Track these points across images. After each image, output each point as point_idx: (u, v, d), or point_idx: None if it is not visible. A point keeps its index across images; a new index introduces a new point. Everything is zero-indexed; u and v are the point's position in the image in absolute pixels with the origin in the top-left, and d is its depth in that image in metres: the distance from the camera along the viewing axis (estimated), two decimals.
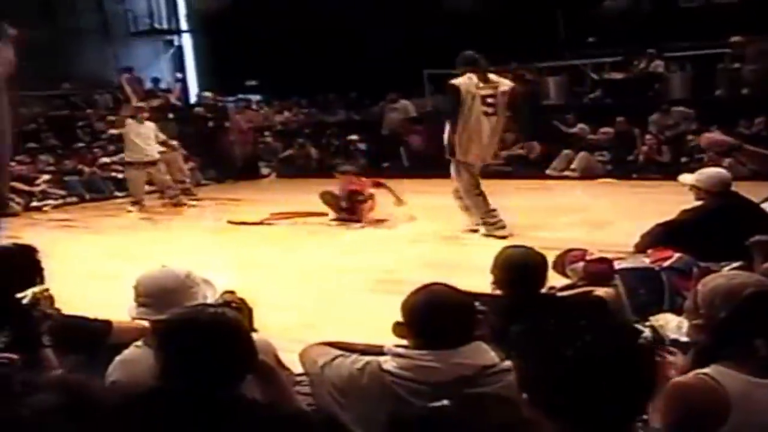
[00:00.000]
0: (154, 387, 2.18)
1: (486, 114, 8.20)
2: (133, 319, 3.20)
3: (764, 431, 2.13)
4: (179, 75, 21.62)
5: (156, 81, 20.35)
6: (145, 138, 11.72)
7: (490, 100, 8.23)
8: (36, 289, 2.95)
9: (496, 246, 3.61)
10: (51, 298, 3.03)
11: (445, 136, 8.47)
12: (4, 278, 3.23)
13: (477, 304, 2.91)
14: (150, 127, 11.93)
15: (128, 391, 2.37)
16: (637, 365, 1.50)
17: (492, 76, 8.45)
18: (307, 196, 10.55)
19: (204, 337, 2.16)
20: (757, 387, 2.15)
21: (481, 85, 8.25)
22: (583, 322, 1.57)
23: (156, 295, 3.03)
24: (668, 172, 11.30)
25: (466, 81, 8.25)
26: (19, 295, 2.81)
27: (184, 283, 3.08)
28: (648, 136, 13.10)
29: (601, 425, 1.46)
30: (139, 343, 3.01)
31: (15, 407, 1.22)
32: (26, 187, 13.20)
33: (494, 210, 8.32)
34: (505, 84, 8.46)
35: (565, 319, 1.58)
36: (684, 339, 3.25)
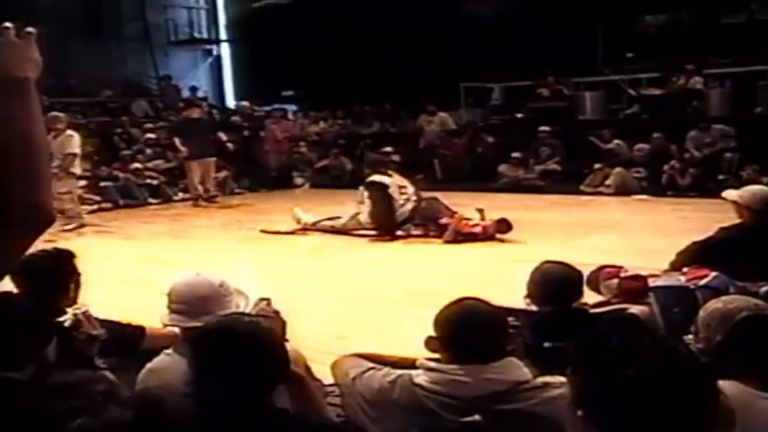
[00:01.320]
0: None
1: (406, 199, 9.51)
2: (165, 325, 3.19)
3: None
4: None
5: (194, 89, 20.59)
6: None
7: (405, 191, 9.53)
8: (74, 310, 2.95)
9: (528, 261, 3.58)
10: (91, 318, 3.02)
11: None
12: (43, 283, 3.25)
13: (510, 319, 2.88)
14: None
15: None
16: (700, 387, 1.48)
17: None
18: (340, 207, 10.56)
19: (238, 346, 2.15)
20: (761, 398, 2.20)
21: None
22: (647, 339, 1.55)
23: (189, 302, 3.01)
24: (706, 190, 11.20)
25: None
26: (60, 319, 2.81)
27: (217, 292, 3.06)
28: (672, 162, 12.92)
29: None
30: (169, 350, 3.00)
31: (91, 418, 1.23)
32: None
33: None
34: None
35: (627, 335, 1.57)
36: None
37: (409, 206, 9.40)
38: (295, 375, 2.47)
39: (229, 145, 14.27)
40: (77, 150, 10.96)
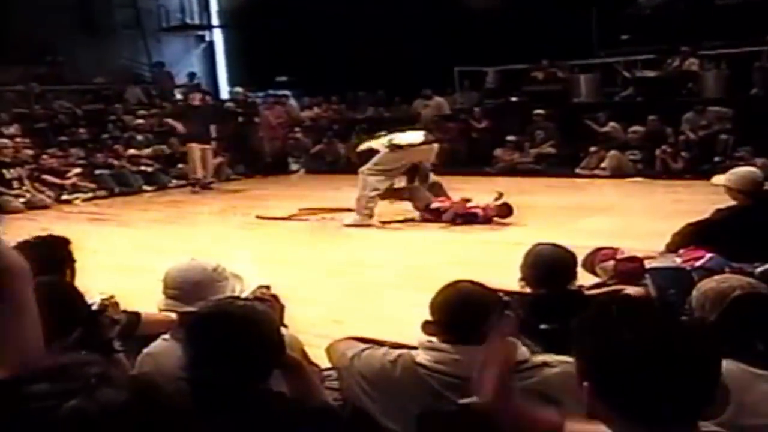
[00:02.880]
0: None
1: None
2: (161, 311, 3.19)
3: (764, 419, 2.14)
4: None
5: (192, 75, 20.54)
6: None
7: None
8: (103, 295, 2.97)
9: (525, 244, 3.57)
10: (117, 305, 3.05)
11: None
12: (39, 270, 3.24)
13: (505, 299, 2.89)
14: None
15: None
16: (706, 357, 1.49)
17: None
18: (336, 192, 10.56)
19: (232, 330, 2.14)
20: (757, 377, 2.21)
21: None
22: (646, 309, 1.57)
23: (184, 287, 3.02)
24: (701, 172, 11.21)
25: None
26: (88, 301, 2.84)
27: (211, 276, 3.06)
28: (664, 146, 12.92)
29: (666, 418, 1.45)
30: (166, 336, 3.01)
31: (84, 400, 1.22)
32: (57, 180, 13.35)
33: None
34: None
35: (626, 306, 1.58)
36: None
37: None
38: (291, 360, 2.47)
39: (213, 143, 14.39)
40: None
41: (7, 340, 1.64)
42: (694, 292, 2.69)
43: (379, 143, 9.52)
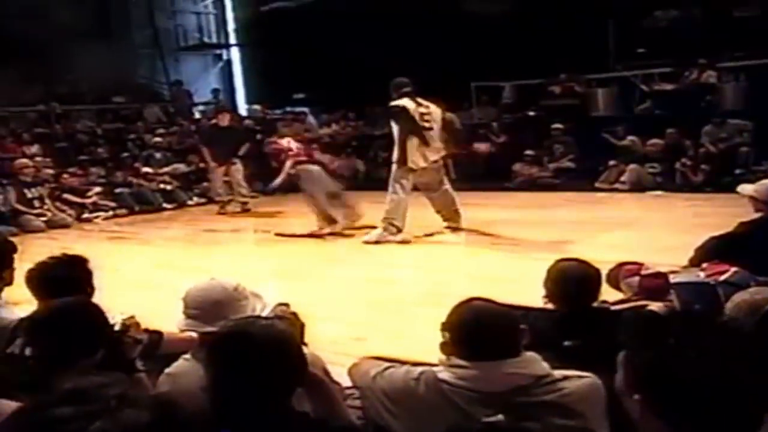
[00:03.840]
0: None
1: (427, 129, 9.27)
2: (181, 331, 3.18)
3: None
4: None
5: (216, 92, 20.70)
6: None
7: (426, 117, 9.36)
8: (124, 315, 2.98)
9: (546, 260, 3.55)
10: (138, 324, 3.06)
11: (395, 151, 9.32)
12: (61, 291, 3.24)
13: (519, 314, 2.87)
14: None
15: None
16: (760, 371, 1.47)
17: (420, 99, 9.60)
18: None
19: (254, 349, 2.13)
20: None
21: (415, 106, 9.39)
22: (708, 325, 1.56)
23: (204, 307, 3.01)
24: (721, 185, 11.12)
25: (407, 102, 9.35)
26: (111, 321, 2.86)
27: (232, 296, 3.05)
28: (684, 159, 12.84)
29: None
30: (187, 356, 3.00)
31: (107, 422, 1.22)
32: (78, 199, 13.43)
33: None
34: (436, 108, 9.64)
35: (688, 322, 1.57)
36: None
37: (435, 130, 9.42)
38: (313, 377, 2.45)
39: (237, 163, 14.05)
40: None
41: None
42: (729, 305, 2.65)
43: None
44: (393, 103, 9.40)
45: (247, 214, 12.98)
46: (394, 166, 9.30)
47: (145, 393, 2.55)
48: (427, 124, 9.29)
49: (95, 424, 1.20)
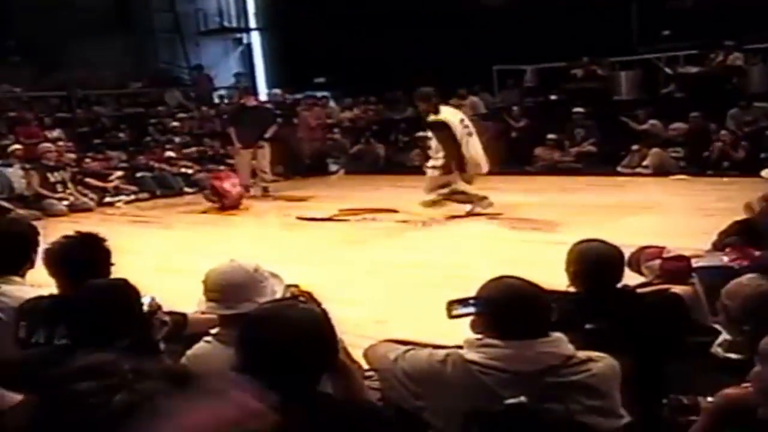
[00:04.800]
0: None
1: (469, 135, 9.30)
2: (202, 313, 3.22)
3: None
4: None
5: (238, 76, 20.72)
6: None
7: (465, 122, 9.42)
8: (150, 296, 2.99)
9: (567, 243, 3.52)
10: (160, 307, 3.07)
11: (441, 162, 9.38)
12: (83, 271, 3.24)
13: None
14: None
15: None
16: None
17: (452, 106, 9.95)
18: (376, 192, 10.55)
19: (290, 332, 2.11)
20: None
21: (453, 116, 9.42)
22: None
23: (224, 289, 3.02)
24: (746, 169, 11.00)
25: (447, 113, 9.39)
26: (141, 302, 2.88)
27: (252, 278, 3.06)
28: (723, 132, 12.73)
29: None
30: (208, 338, 3.02)
31: (129, 393, 1.24)
32: (100, 183, 13.52)
33: None
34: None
35: None
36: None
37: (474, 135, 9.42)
38: (338, 361, 2.45)
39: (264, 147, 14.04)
40: None
41: None
42: (727, 301, 2.55)
43: None
44: (434, 119, 9.33)
45: (269, 197, 12.95)
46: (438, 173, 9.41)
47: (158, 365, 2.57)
48: (466, 130, 9.33)
49: (116, 397, 1.21)
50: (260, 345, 2.11)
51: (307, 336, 2.12)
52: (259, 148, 13.13)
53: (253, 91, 21.98)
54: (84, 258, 3.39)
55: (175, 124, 16.77)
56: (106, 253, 3.49)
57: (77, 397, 1.20)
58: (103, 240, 3.54)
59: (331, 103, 18.84)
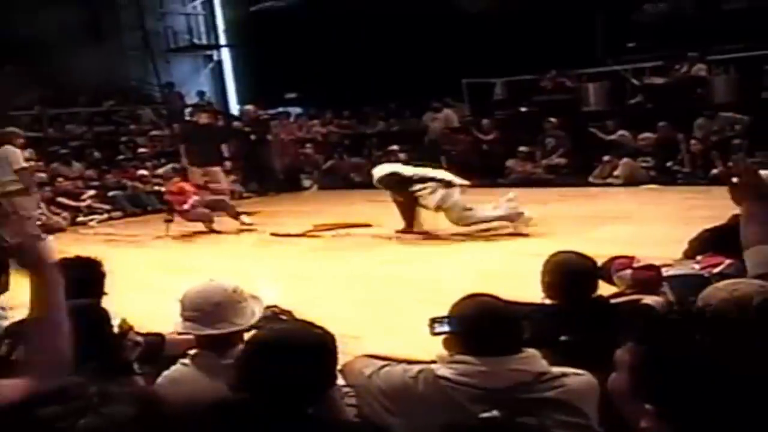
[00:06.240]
0: (227, 400, 2.17)
1: None
2: (179, 333, 3.17)
3: None
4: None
5: (201, 94, 20.66)
6: None
7: None
8: (120, 318, 2.97)
9: (543, 255, 3.55)
10: (131, 327, 3.04)
11: None
12: (82, 291, 3.20)
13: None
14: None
15: (201, 404, 2.35)
16: None
17: None
18: (349, 207, 10.56)
19: (294, 355, 2.15)
20: None
21: None
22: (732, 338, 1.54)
23: (202, 309, 2.97)
24: (713, 178, 11.15)
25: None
26: (111, 323, 2.85)
27: (231, 298, 3.01)
28: (693, 141, 12.91)
29: None
30: (186, 360, 2.98)
31: (93, 418, 1.24)
32: (72, 203, 13.41)
33: None
34: None
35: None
36: None
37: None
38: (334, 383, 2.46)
39: (227, 163, 13.92)
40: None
41: (44, 350, 1.68)
42: (701, 304, 2.56)
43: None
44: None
45: (244, 213, 12.57)
46: None
47: (127, 389, 2.56)
48: None
49: (81, 421, 1.21)
50: (264, 367, 2.12)
51: (311, 361, 2.14)
52: (211, 166, 12.54)
53: (224, 107, 22.00)
54: (81, 280, 3.37)
55: (149, 142, 16.68)
56: (102, 276, 3.48)
57: (41, 421, 1.20)
58: (100, 264, 3.53)
59: (300, 119, 18.84)
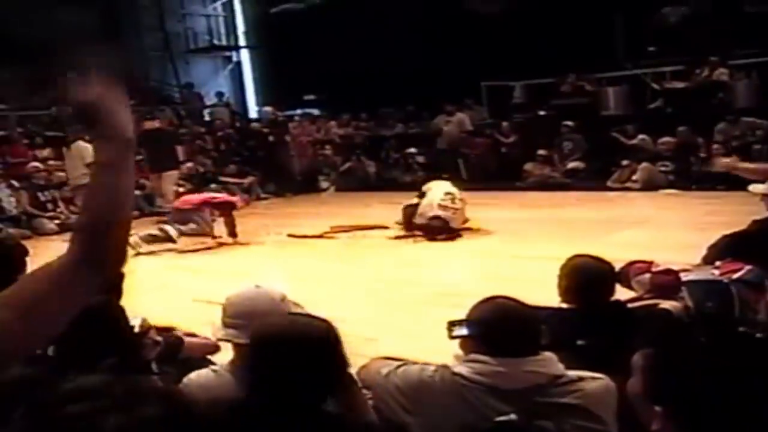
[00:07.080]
0: (245, 401, 2.16)
1: None
2: (218, 340, 3.03)
3: None
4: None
5: (220, 95, 20.72)
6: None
7: None
8: (141, 317, 2.95)
9: (558, 259, 3.54)
10: (151, 326, 3.00)
11: None
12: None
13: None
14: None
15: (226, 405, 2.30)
16: None
17: None
18: (366, 209, 10.56)
19: (306, 350, 2.12)
20: None
21: None
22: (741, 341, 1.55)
23: (247, 317, 2.74)
24: (734, 183, 11.05)
25: None
26: (132, 323, 2.82)
27: (279, 307, 2.83)
28: (715, 146, 12.80)
29: None
30: (216, 367, 2.86)
31: (120, 417, 1.22)
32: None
33: None
34: None
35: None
36: None
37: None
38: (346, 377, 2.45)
39: (189, 164, 14.00)
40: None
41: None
42: None
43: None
44: None
45: (261, 214, 12.74)
46: None
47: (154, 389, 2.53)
48: None
49: (109, 420, 1.20)
50: (275, 364, 2.11)
51: (319, 354, 2.13)
52: (165, 171, 12.83)
53: (243, 109, 22.08)
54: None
55: None
56: (121, 277, 3.46)
57: (67, 420, 1.19)
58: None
59: (318, 121, 18.86)
